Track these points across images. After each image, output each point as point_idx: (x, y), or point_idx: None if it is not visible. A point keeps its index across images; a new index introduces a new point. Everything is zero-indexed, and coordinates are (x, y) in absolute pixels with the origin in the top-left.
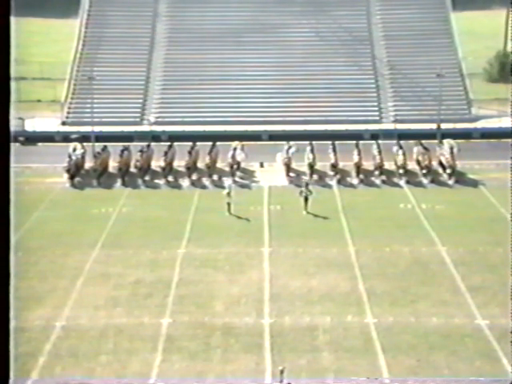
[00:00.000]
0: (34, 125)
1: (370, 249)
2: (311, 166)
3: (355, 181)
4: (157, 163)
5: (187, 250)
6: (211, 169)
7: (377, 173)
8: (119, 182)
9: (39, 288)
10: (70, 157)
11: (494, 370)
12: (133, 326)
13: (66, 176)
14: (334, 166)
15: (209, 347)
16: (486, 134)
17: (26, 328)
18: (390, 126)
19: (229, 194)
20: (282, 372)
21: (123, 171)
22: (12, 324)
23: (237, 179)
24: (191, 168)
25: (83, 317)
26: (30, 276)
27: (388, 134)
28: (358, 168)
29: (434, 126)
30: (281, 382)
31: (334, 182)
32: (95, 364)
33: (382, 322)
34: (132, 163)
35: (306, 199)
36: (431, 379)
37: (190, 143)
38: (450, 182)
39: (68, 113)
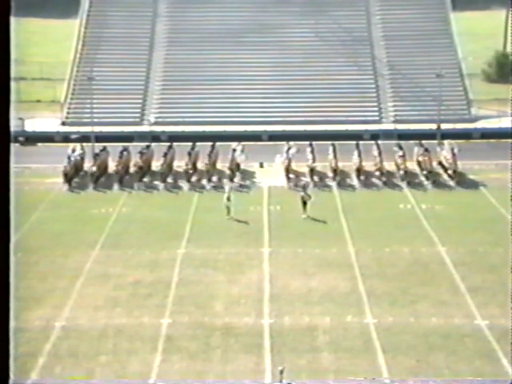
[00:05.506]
0: (33, 125)
1: (369, 249)
2: (311, 169)
3: (355, 182)
4: (157, 164)
5: (187, 251)
6: (211, 170)
7: (377, 174)
8: (118, 182)
9: (39, 288)
10: (69, 158)
11: (494, 371)
12: (132, 326)
13: (62, 180)
14: (334, 167)
15: (209, 347)
16: (486, 135)
17: (25, 328)
18: (390, 127)
19: (229, 198)
20: (281, 372)
21: (122, 172)
22: (12, 324)
23: (236, 181)
24: (191, 169)
25: (83, 317)
26: (30, 276)
27: (388, 135)
28: (359, 169)
29: (433, 126)
30: (280, 382)
31: (334, 183)
32: (95, 364)
33: (381, 323)
34: (132, 164)
35: (305, 203)
36: (431, 380)
37: (190, 143)
38: (452, 183)
39: (68, 113)
